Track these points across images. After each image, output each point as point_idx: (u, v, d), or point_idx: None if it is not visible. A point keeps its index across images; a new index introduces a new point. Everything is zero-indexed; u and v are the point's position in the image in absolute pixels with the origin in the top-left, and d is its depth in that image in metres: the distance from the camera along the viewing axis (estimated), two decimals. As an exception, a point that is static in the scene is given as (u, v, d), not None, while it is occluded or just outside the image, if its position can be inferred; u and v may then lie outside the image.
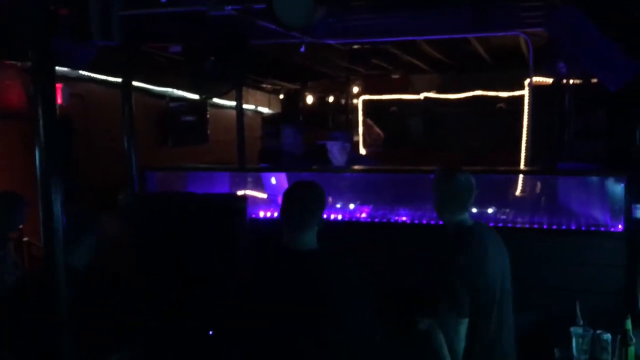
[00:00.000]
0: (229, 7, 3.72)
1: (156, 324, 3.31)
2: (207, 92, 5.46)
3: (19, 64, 5.45)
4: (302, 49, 4.89)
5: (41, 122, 2.32)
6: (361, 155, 9.80)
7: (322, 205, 2.68)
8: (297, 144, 5.38)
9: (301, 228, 2.60)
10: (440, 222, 4.37)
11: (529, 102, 6.87)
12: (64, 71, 5.94)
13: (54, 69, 2.45)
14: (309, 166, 5.13)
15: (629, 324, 2.98)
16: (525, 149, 6.78)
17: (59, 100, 5.95)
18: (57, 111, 2.45)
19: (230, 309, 2.65)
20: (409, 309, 2.36)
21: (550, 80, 6.54)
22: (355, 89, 10.98)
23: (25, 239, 5.52)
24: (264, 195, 5.16)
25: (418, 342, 2.31)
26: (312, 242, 2.63)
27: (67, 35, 2.93)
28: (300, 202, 2.64)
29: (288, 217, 2.63)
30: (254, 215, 4.65)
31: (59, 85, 5.95)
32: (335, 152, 5.21)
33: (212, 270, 3.63)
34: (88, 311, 2.53)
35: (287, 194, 2.70)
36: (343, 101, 11.46)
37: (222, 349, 2.95)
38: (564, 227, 4.12)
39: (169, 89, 8.16)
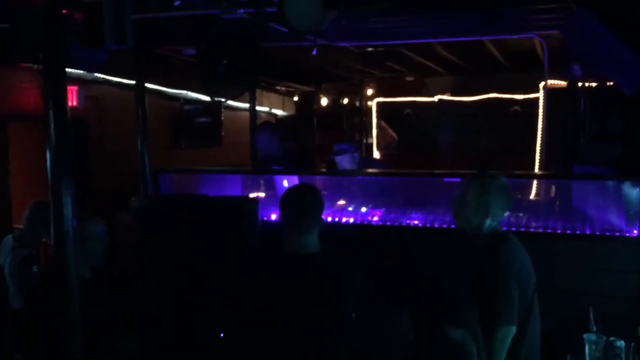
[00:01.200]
0: (241, 11, 3.73)
1: (162, 322, 3.34)
2: (219, 95, 5.48)
3: (35, 66, 5.50)
4: (314, 52, 4.89)
5: (52, 124, 2.35)
6: (374, 159, 9.78)
7: (321, 207, 2.69)
8: (273, 147, 5.38)
9: (302, 231, 2.60)
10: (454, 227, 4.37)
11: (544, 105, 6.81)
12: (80, 73, 6.00)
13: (65, 71, 2.47)
14: (292, 167, 5.14)
15: (642, 331, 2.95)
16: (540, 152, 6.72)
17: (75, 103, 6.01)
18: (70, 113, 2.48)
19: (235, 311, 2.66)
20: (440, 315, 2.30)
21: (565, 83, 6.47)
22: (370, 91, 10.96)
23: (43, 239, 5.57)
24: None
25: (448, 352, 2.24)
26: (314, 245, 2.63)
27: (81, 39, 2.96)
28: (300, 205, 2.64)
29: (289, 221, 2.63)
30: (265, 218, 4.66)
31: (74, 88, 6.01)
32: (346, 164, 5.18)
33: (222, 273, 3.64)
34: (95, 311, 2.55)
35: (286, 199, 2.69)
36: (357, 103, 11.44)
37: (226, 350, 2.96)
38: (578, 232, 4.08)
39: (184, 91, 8.21)
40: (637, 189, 3.90)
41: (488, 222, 2.93)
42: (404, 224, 4.55)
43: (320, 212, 2.68)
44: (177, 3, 3.65)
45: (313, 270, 2.57)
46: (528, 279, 2.88)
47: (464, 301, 2.31)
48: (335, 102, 12.14)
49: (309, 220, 2.61)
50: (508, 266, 2.79)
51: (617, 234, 3.98)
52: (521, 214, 4.44)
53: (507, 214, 3.07)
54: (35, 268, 4.04)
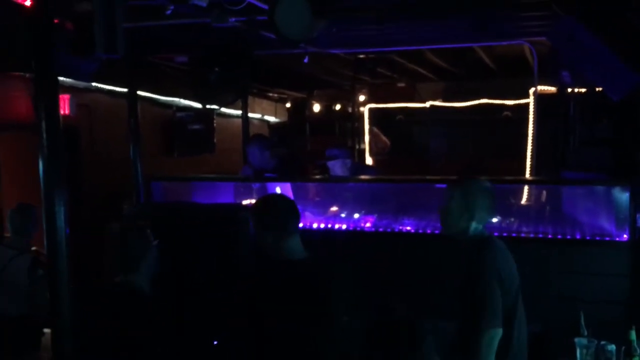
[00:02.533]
0: (233, 19, 3.75)
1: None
2: (211, 102, 5.48)
3: (27, 75, 5.49)
4: (306, 60, 4.91)
5: (44, 135, 2.35)
6: (366, 165, 9.80)
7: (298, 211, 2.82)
8: (265, 160, 5.36)
9: (291, 233, 2.68)
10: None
11: (534, 111, 6.85)
12: (71, 82, 5.98)
13: (57, 80, 2.48)
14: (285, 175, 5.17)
15: (633, 335, 2.97)
16: (531, 157, 6.77)
17: (66, 111, 6.00)
18: (62, 121, 2.48)
19: (233, 316, 2.70)
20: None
21: (555, 89, 6.53)
22: (362, 97, 10.99)
23: (33, 248, 5.55)
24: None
25: None
26: (301, 249, 2.70)
27: (72, 48, 2.97)
28: (286, 210, 2.73)
29: (280, 224, 2.69)
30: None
31: (66, 96, 5.99)
32: (337, 170, 5.20)
33: (216, 280, 3.65)
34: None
35: (270, 205, 2.80)
36: (349, 109, 11.47)
37: (223, 355, 2.99)
38: (568, 237, 4.10)
39: (176, 99, 8.21)
40: (627, 194, 3.93)
41: (473, 225, 2.92)
42: (396, 230, 4.57)
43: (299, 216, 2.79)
44: (168, 12, 3.67)
45: (307, 274, 2.63)
46: (512, 282, 2.88)
47: (416, 335, 2.33)
48: (327, 108, 12.17)
49: (297, 223, 2.72)
50: (491, 269, 2.80)
51: (607, 238, 4.01)
52: (512, 219, 4.47)
53: (493, 218, 3.06)
54: (40, 272, 4.02)
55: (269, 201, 2.86)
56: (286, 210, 2.73)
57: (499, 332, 2.75)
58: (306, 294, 2.56)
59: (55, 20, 2.77)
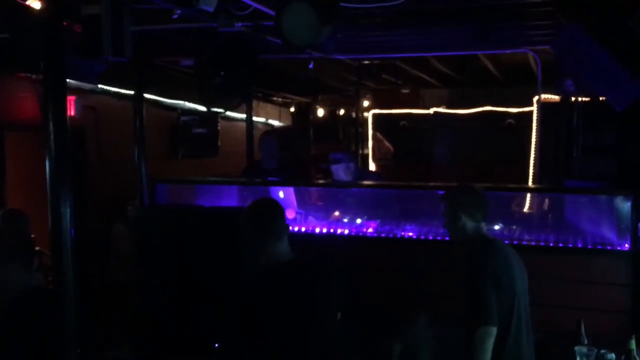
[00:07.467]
0: (239, 24, 3.78)
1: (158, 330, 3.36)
2: (216, 105, 5.52)
3: (33, 76, 5.53)
4: (311, 66, 4.95)
5: (52, 136, 2.38)
6: (370, 170, 9.81)
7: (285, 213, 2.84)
8: (274, 154, 5.44)
9: (281, 236, 2.71)
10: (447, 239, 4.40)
11: (537, 119, 6.87)
12: (77, 83, 6.02)
13: (66, 82, 2.51)
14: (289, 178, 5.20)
15: (632, 344, 2.98)
16: (534, 166, 6.78)
17: (72, 112, 6.03)
18: (68, 123, 2.51)
19: (234, 318, 2.72)
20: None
21: (558, 97, 6.54)
22: (366, 103, 11.01)
23: (37, 248, 5.56)
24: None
25: None
26: (288, 251, 2.73)
27: (80, 51, 3.00)
28: (275, 214, 2.76)
29: (268, 228, 2.71)
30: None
31: (72, 98, 6.02)
32: (341, 173, 5.24)
33: (219, 283, 3.67)
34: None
35: (258, 211, 2.82)
36: (353, 114, 11.48)
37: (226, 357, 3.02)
38: (569, 245, 4.11)
39: (181, 102, 8.24)
40: (629, 203, 3.95)
41: (469, 224, 3.06)
42: (398, 235, 4.58)
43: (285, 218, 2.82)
44: (175, 16, 3.70)
45: (292, 277, 2.67)
46: (510, 286, 2.93)
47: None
48: (331, 113, 12.18)
49: (278, 226, 2.73)
50: (484, 268, 2.89)
51: (609, 247, 4.02)
52: (513, 227, 4.48)
53: (486, 219, 3.14)
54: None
55: (251, 207, 2.88)
56: (268, 213, 2.75)
57: (493, 331, 2.81)
58: (293, 297, 2.60)
59: (64, 23, 2.80)
